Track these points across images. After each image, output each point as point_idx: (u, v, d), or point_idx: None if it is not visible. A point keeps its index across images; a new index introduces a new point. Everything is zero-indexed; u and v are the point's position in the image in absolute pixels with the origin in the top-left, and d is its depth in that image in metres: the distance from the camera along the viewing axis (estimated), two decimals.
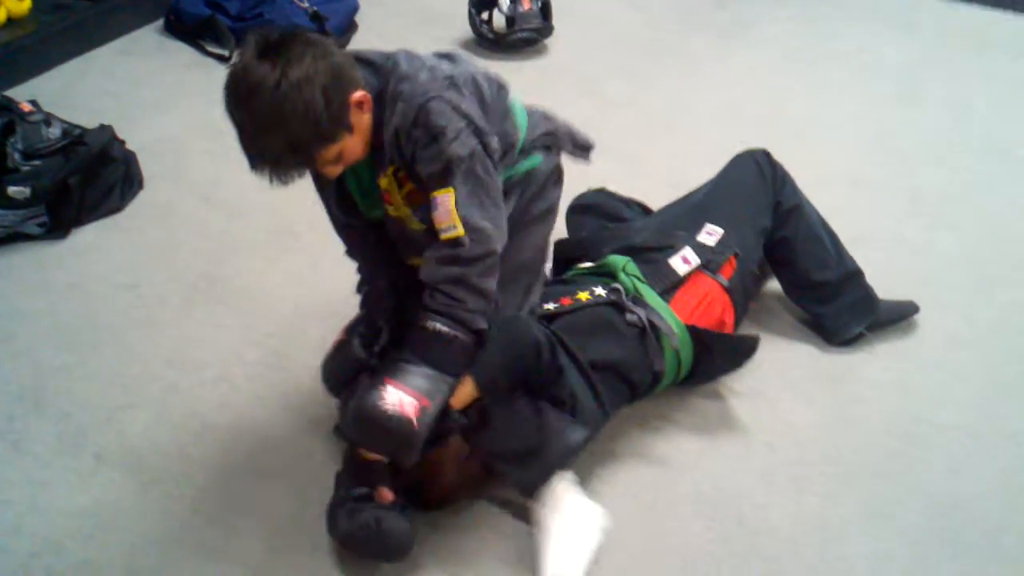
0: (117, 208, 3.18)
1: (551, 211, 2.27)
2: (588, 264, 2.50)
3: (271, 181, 1.89)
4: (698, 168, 2.86)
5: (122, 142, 3.30)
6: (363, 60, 1.98)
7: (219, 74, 4.00)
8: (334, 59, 1.84)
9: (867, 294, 2.67)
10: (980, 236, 3.18)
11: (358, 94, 1.88)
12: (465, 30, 4.37)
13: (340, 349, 2.21)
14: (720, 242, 2.50)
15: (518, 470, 2.11)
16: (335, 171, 1.97)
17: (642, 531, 2.18)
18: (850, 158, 3.59)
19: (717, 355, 2.41)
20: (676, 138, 3.68)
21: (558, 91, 4.03)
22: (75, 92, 3.87)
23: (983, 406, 2.54)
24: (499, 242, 1.98)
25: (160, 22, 4.42)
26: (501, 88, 2.13)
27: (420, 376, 1.96)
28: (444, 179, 1.93)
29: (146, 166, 3.35)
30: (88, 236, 3.08)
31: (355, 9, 4.48)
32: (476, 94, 2.01)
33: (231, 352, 2.63)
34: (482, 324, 2.00)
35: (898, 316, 2.73)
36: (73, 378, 2.54)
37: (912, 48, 4.49)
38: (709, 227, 2.52)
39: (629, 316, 2.30)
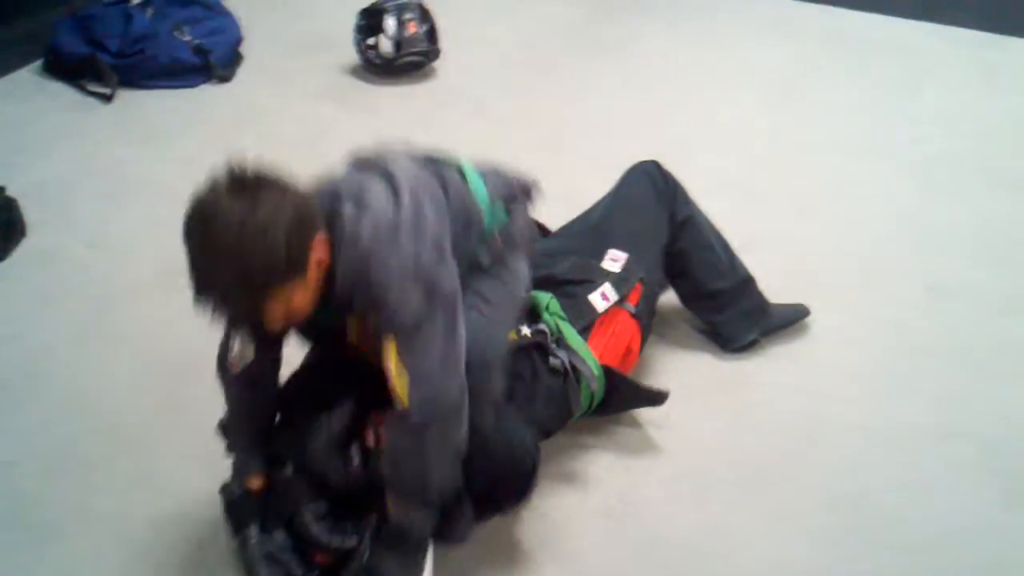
0: None
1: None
2: None
3: (212, 315, 1.78)
4: (589, 182, 2.88)
5: (2, 188, 3.21)
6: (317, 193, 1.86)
7: (102, 114, 3.99)
8: (300, 204, 1.74)
9: (760, 301, 2.72)
10: (862, 234, 3.26)
11: (319, 248, 1.77)
12: (352, 56, 4.35)
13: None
14: (625, 268, 2.48)
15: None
16: (277, 325, 1.82)
17: (554, 550, 2.19)
18: (732, 164, 3.65)
19: (627, 398, 2.43)
20: (565, 154, 3.70)
21: (448, 113, 4.05)
22: None
23: (877, 401, 2.60)
24: (448, 405, 1.83)
25: (39, 62, 4.31)
26: (458, 170, 2.06)
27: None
28: (387, 341, 1.81)
29: (29, 211, 3.26)
30: None
31: (239, 41, 4.44)
32: (431, 212, 1.87)
33: (124, 398, 2.57)
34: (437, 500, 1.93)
35: (790, 320, 2.79)
36: None
37: (784, 52, 4.59)
38: (613, 252, 2.51)
39: (552, 360, 2.27)
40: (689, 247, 2.63)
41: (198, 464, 2.37)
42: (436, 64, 4.38)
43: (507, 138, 3.80)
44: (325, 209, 1.81)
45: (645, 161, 2.72)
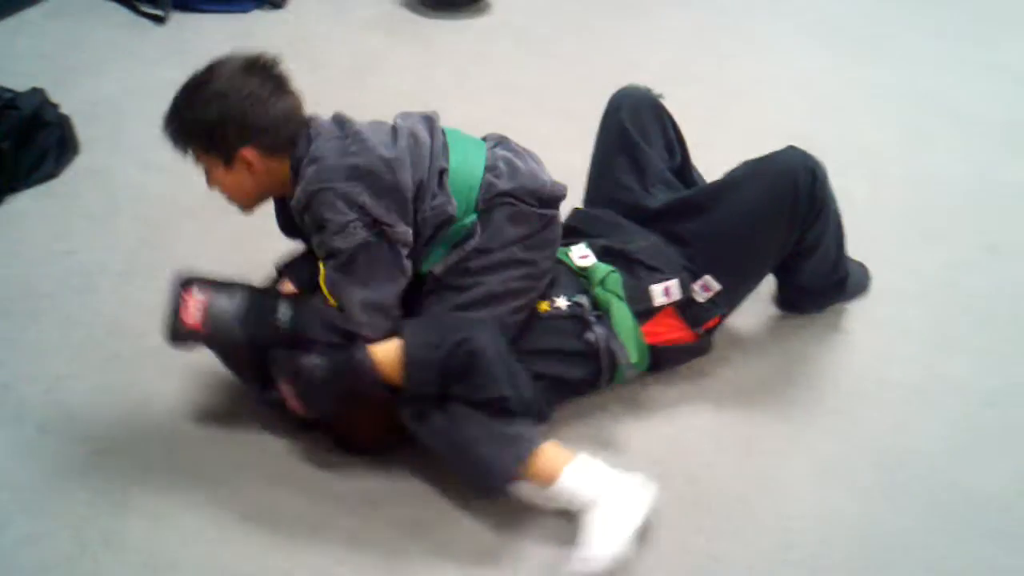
0: (52, 174, 3.09)
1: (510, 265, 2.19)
2: (576, 258, 2.36)
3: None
4: None
5: (56, 106, 3.20)
6: (312, 124, 2.12)
7: (154, 35, 3.98)
8: (263, 110, 2.05)
9: (843, 293, 2.65)
10: (924, 192, 3.21)
11: (248, 151, 2.07)
12: None
13: None
14: (712, 300, 2.34)
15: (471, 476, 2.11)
16: (213, 187, 2.20)
17: None
18: (795, 116, 3.60)
19: (674, 362, 2.43)
20: None
21: (504, 51, 4.00)
22: (5, 55, 3.75)
23: (929, 361, 2.57)
24: (366, 326, 2.07)
25: None
26: (440, 159, 2.13)
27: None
28: (325, 261, 2.08)
29: (82, 130, 3.26)
30: (22, 203, 3.00)
31: None
32: (386, 182, 2.03)
33: None
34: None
35: (853, 293, 2.71)
36: (11, 349, 2.48)
37: (856, 5, 4.50)
38: (708, 280, 2.33)
39: (588, 335, 2.24)
40: (804, 260, 2.46)
41: (246, 387, 2.39)
42: None
43: (563, 77, 3.76)
44: (312, 131, 2.10)
45: (800, 159, 2.34)
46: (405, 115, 2.21)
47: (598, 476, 2.04)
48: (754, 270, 2.44)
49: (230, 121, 2.04)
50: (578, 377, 2.26)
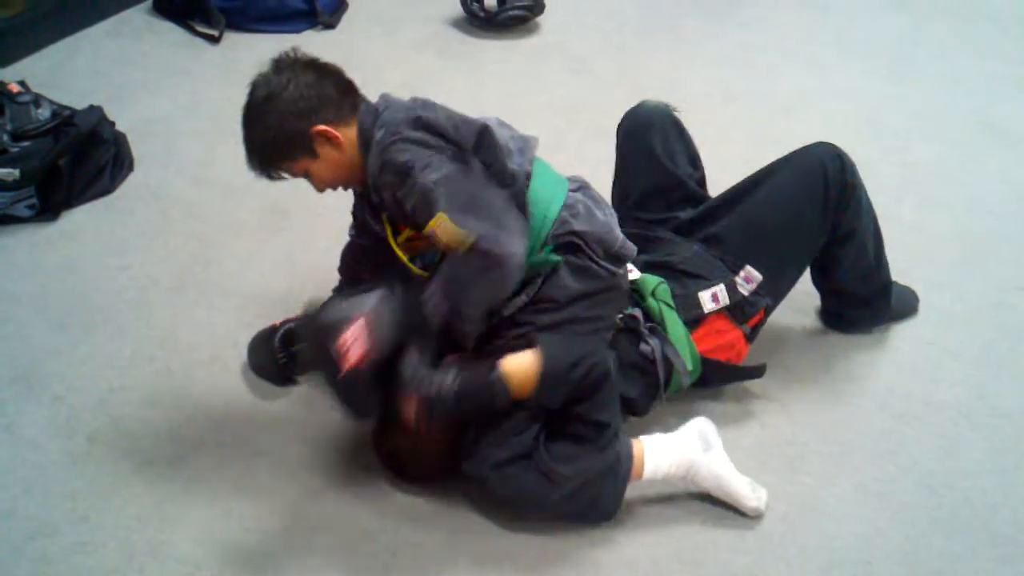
0: (108, 190, 3.16)
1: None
2: None
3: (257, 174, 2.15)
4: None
5: (112, 123, 3.27)
6: (372, 104, 2.12)
7: (209, 55, 4.05)
8: (310, 90, 2.05)
9: (888, 304, 2.64)
10: (972, 213, 3.18)
11: (319, 127, 2.04)
12: (456, 9, 4.35)
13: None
14: (755, 292, 2.35)
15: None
16: (314, 185, 2.17)
17: (638, 512, 2.19)
18: (842, 135, 3.51)
19: (724, 379, 2.44)
20: None
21: (550, 70, 4.03)
22: (64, 73, 3.84)
23: (976, 384, 2.54)
24: (511, 243, 1.98)
25: (149, 2, 4.40)
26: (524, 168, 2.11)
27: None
28: (429, 209, 1.96)
29: (136, 147, 3.33)
30: (78, 218, 3.06)
31: None
32: (450, 136, 2.01)
33: (223, 334, 2.62)
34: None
35: (901, 315, 2.72)
36: (65, 361, 2.53)
37: (903, 23, 4.48)
38: (749, 270, 2.34)
39: (643, 347, 2.26)
40: (841, 256, 2.47)
41: (291, 401, 2.43)
42: (540, 19, 4.35)
43: (608, 96, 3.76)
44: (381, 106, 2.11)
45: (826, 148, 2.40)
46: (503, 123, 2.19)
47: (670, 448, 2.16)
48: (792, 257, 2.43)
49: (288, 115, 2.03)
50: (635, 395, 2.26)
